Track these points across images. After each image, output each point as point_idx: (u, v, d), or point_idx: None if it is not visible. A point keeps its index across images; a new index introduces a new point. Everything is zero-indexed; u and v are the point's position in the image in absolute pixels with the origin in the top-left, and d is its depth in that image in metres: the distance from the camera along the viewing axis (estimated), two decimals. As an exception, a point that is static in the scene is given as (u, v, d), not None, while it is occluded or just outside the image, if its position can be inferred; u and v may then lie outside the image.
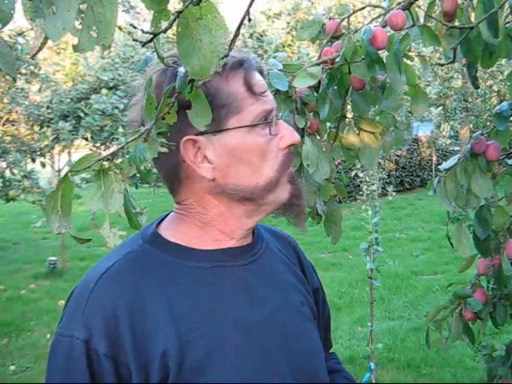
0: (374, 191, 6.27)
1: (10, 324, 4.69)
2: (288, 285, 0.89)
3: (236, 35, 0.67)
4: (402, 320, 4.53)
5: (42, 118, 6.08)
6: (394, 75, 1.09)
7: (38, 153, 6.02)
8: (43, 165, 6.15)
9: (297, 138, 0.82)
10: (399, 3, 1.14)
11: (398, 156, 11.58)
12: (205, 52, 0.61)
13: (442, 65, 1.33)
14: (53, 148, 6.18)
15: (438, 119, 12.44)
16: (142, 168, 0.71)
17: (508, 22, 1.22)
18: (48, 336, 4.31)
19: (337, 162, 1.37)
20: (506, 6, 1.15)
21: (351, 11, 1.21)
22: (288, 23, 15.78)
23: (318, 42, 1.27)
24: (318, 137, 1.24)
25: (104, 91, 6.06)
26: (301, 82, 1.11)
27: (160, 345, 0.72)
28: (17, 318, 4.86)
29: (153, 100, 0.69)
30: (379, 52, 1.06)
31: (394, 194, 9.37)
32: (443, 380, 3.49)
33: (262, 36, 13.06)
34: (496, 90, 11.92)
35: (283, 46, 13.63)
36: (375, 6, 1.27)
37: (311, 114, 1.20)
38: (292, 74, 1.12)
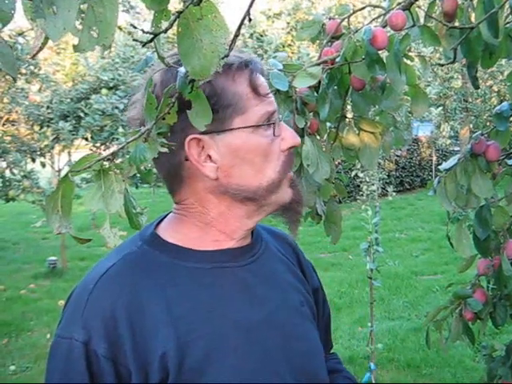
0: (374, 191, 6.26)
1: (9, 324, 4.69)
2: (287, 285, 0.89)
3: (236, 35, 0.67)
4: (402, 320, 4.52)
5: (41, 117, 6.08)
6: (394, 75, 1.09)
7: (38, 153, 6.02)
8: (43, 165, 6.15)
9: (298, 140, 0.83)
10: (399, 3, 1.15)
11: (397, 156, 11.58)
12: (205, 52, 0.62)
13: (442, 65, 1.33)
14: (53, 148, 6.18)
15: (437, 119, 12.43)
16: (142, 168, 0.71)
17: (508, 23, 1.22)
18: (48, 336, 4.31)
19: (337, 162, 1.37)
20: (506, 6, 1.15)
21: (351, 11, 1.21)
22: (288, 23, 15.78)
23: (318, 42, 1.28)
24: (318, 137, 1.24)
25: (104, 91, 6.06)
26: (301, 82, 1.12)
27: (159, 346, 0.72)
28: (17, 318, 4.86)
29: (153, 100, 0.69)
30: (379, 52, 1.06)
31: (394, 194, 9.36)
32: (443, 380, 3.49)
33: (262, 36, 13.05)
34: (496, 90, 11.91)
35: (283, 46, 13.62)
36: (375, 6, 1.28)
37: (311, 113, 1.20)
38: (292, 74, 1.12)
